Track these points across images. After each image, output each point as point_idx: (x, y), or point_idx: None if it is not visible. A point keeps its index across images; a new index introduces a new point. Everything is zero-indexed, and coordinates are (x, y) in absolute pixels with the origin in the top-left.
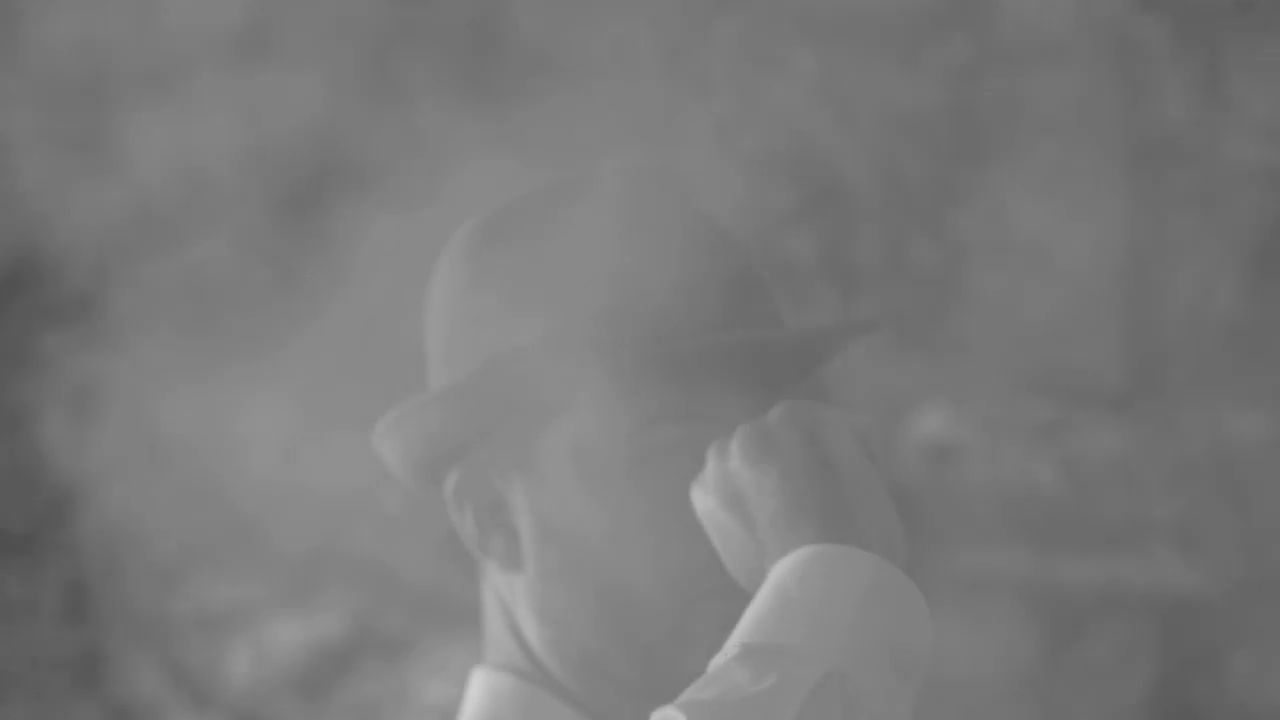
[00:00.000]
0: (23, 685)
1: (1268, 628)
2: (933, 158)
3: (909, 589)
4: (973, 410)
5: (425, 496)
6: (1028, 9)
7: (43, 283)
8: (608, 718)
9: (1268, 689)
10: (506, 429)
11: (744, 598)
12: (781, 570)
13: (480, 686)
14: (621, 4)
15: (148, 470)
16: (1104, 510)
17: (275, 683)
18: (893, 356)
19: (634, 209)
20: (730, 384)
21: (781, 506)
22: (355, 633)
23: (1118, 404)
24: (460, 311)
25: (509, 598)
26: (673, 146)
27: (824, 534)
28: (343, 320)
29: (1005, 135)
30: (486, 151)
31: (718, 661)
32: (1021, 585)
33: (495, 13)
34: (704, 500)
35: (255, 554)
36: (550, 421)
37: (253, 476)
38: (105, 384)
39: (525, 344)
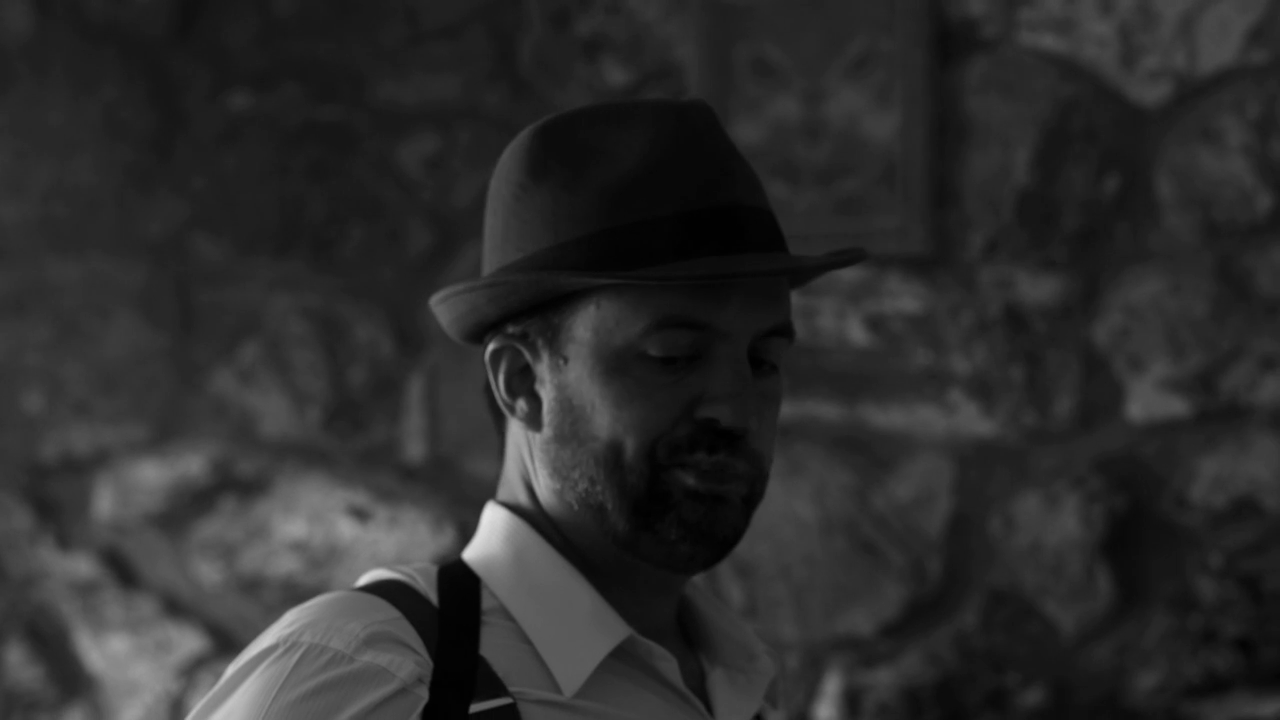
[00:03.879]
0: None
1: (1054, 470)
2: (756, 43)
3: None
4: None
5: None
6: None
7: None
8: (586, 556)
9: (1053, 525)
10: (541, 313)
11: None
12: None
13: (486, 516)
14: None
15: (17, 322)
16: (908, 363)
17: (138, 521)
18: None
19: (668, 132)
20: (731, 299)
21: None
22: (214, 474)
23: (921, 267)
24: (513, 208)
25: (525, 450)
26: None
27: None
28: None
29: (816, 24)
30: None
31: None
32: (834, 430)
33: None
34: None
35: (119, 401)
36: (577, 313)
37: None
38: None
39: (563, 245)
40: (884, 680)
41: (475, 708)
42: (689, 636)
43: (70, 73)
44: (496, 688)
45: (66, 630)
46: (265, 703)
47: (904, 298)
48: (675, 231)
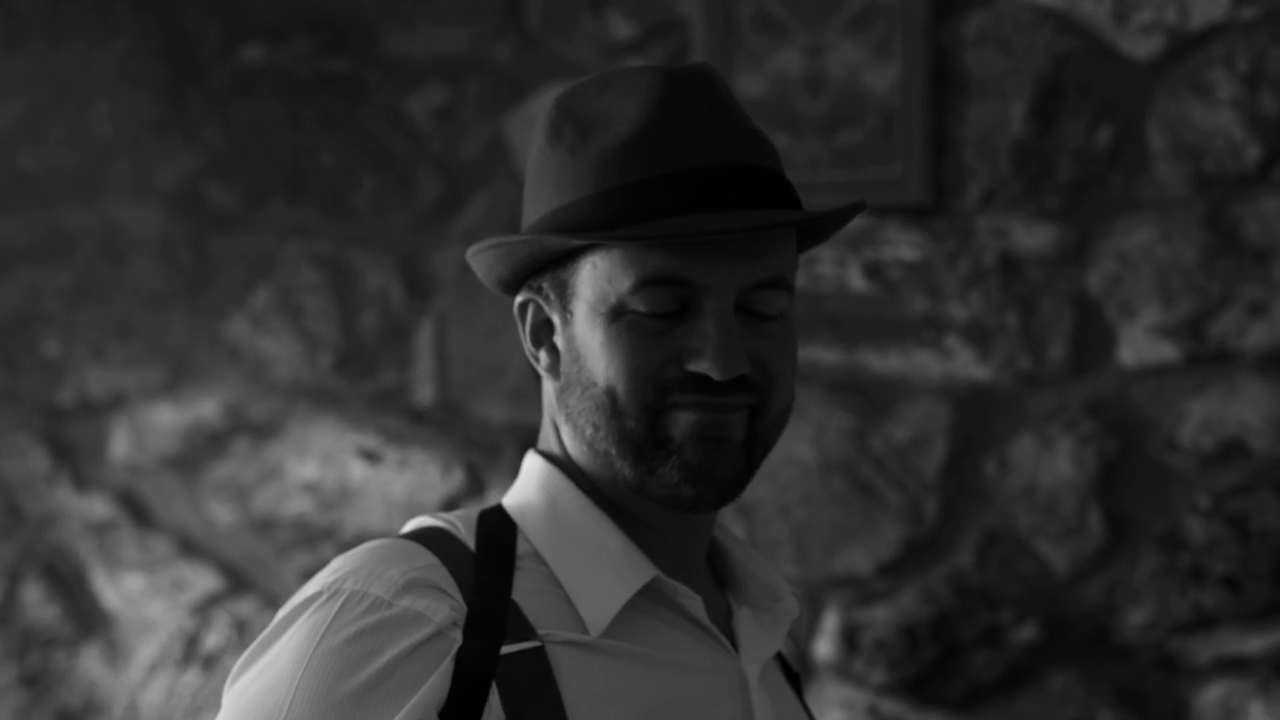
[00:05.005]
0: None
1: (1047, 413)
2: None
3: None
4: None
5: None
6: None
7: None
8: (614, 500)
9: (1046, 467)
10: (553, 270)
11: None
12: None
13: (525, 464)
14: None
15: (35, 269)
16: (906, 310)
17: (153, 463)
18: None
19: (663, 97)
20: (712, 256)
21: None
22: (228, 417)
23: (919, 217)
24: (535, 172)
25: (552, 400)
26: None
27: None
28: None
29: None
30: None
31: None
32: (833, 374)
33: None
34: None
35: (135, 346)
36: (579, 270)
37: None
38: None
39: (566, 206)
40: (881, 617)
41: (506, 649)
42: (718, 578)
43: (84, 25)
44: (526, 631)
45: (83, 569)
46: (310, 647)
47: (902, 246)
48: (661, 192)
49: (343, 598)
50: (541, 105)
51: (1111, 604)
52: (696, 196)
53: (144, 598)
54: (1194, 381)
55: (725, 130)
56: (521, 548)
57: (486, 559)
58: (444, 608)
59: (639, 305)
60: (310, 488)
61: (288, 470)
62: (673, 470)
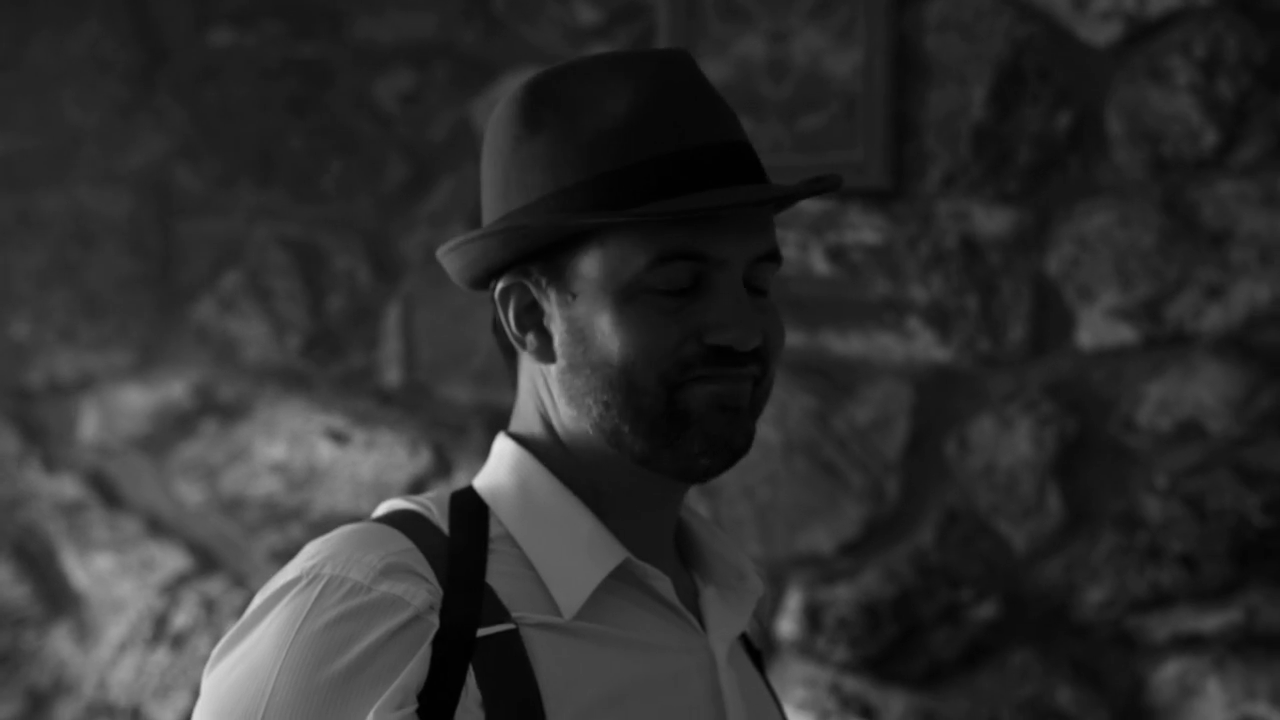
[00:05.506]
0: None
1: (1007, 394)
2: None
3: None
4: None
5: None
6: None
7: None
8: (592, 482)
9: (1006, 447)
10: (546, 254)
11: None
12: None
13: (495, 447)
14: None
15: (4, 251)
16: (867, 292)
17: (122, 443)
18: None
19: (654, 79)
20: (727, 230)
21: None
22: (196, 398)
23: (880, 200)
24: (511, 159)
25: (540, 383)
26: None
27: None
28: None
29: None
30: None
31: None
32: (796, 357)
33: None
34: None
35: (104, 328)
36: (583, 251)
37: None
38: None
39: (566, 189)
40: (843, 596)
41: (481, 632)
42: (685, 558)
43: (54, 10)
44: (501, 614)
45: (53, 549)
46: (291, 632)
47: (864, 229)
48: (669, 170)
49: (322, 583)
50: (508, 93)
51: (1070, 582)
52: (704, 173)
53: (113, 577)
54: (1151, 363)
55: (715, 110)
56: (494, 530)
57: (460, 543)
58: (421, 592)
59: (656, 282)
60: (278, 468)
61: (256, 451)
62: (694, 442)
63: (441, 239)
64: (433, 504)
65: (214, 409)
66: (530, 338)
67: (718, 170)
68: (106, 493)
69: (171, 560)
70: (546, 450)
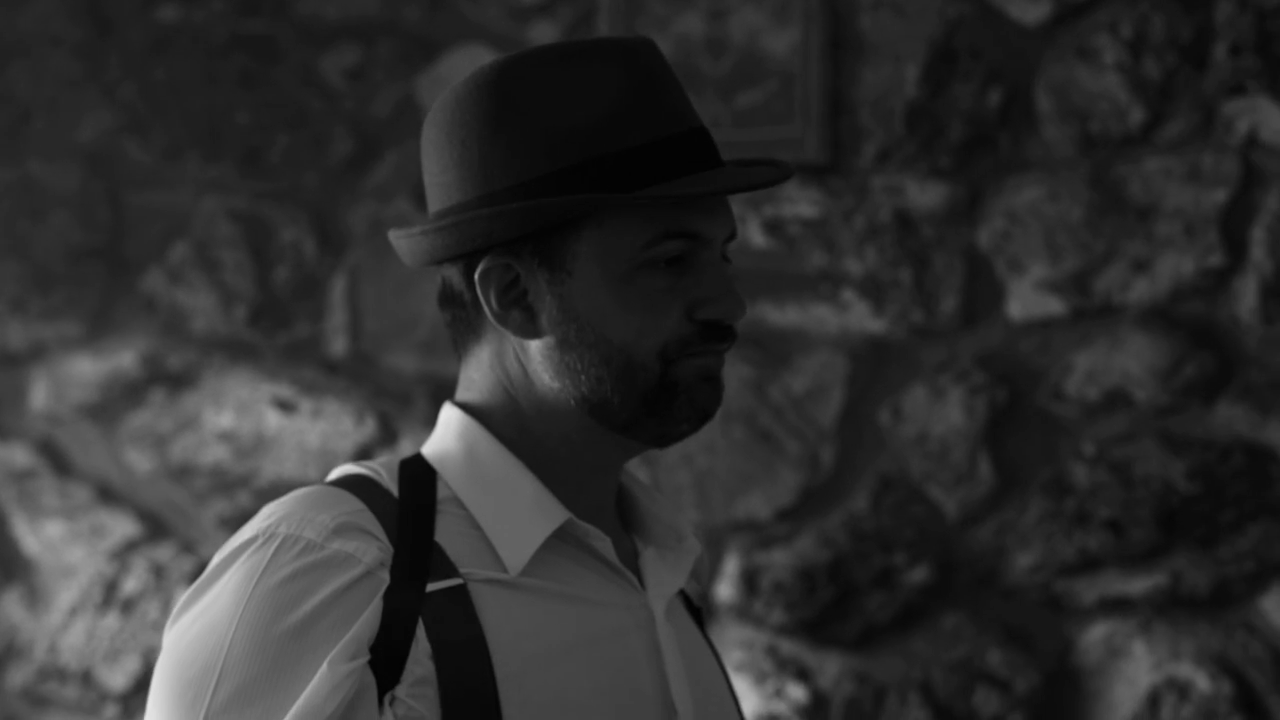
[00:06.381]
0: None
1: (939, 364)
2: None
3: None
4: None
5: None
6: None
7: None
8: (542, 449)
9: (938, 416)
10: (544, 233)
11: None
12: None
13: (443, 415)
14: None
15: None
16: (804, 265)
17: (72, 412)
18: None
19: (635, 68)
20: (712, 211)
21: None
22: (145, 368)
23: (817, 175)
24: (491, 140)
25: (508, 356)
26: None
27: None
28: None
29: None
30: None
31: None
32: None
33: None
34: None
35: (54, 299)
36: (579, 230)
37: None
38: None
39: (561, 171)
40: (780, 561)
41: (431, 587)
42: (626, 521)
43: None
44: (449, 570)
45: (3, 516)
46: (248, 588)
47: (801, 203)
48: (663, 154)
49: (277, 541)
50: (471, 77)
51: (1000, 547)
52: (690, 158)
53: (64, 544)
54: (1079, 334)
55: (685, 99)
56: (441, 493)
57: (409, 504)
58: (372, 549)
59: (654, 258)
60: (226, 436)
61: (204, 419)
62: (681, 409)
63: (386, 213)
64: (383, 469)
65: (163, 378)
66: (514, 314)
67: (700, 154)
68: (57, 461)
69: (121, 527)
70: (496, 419)
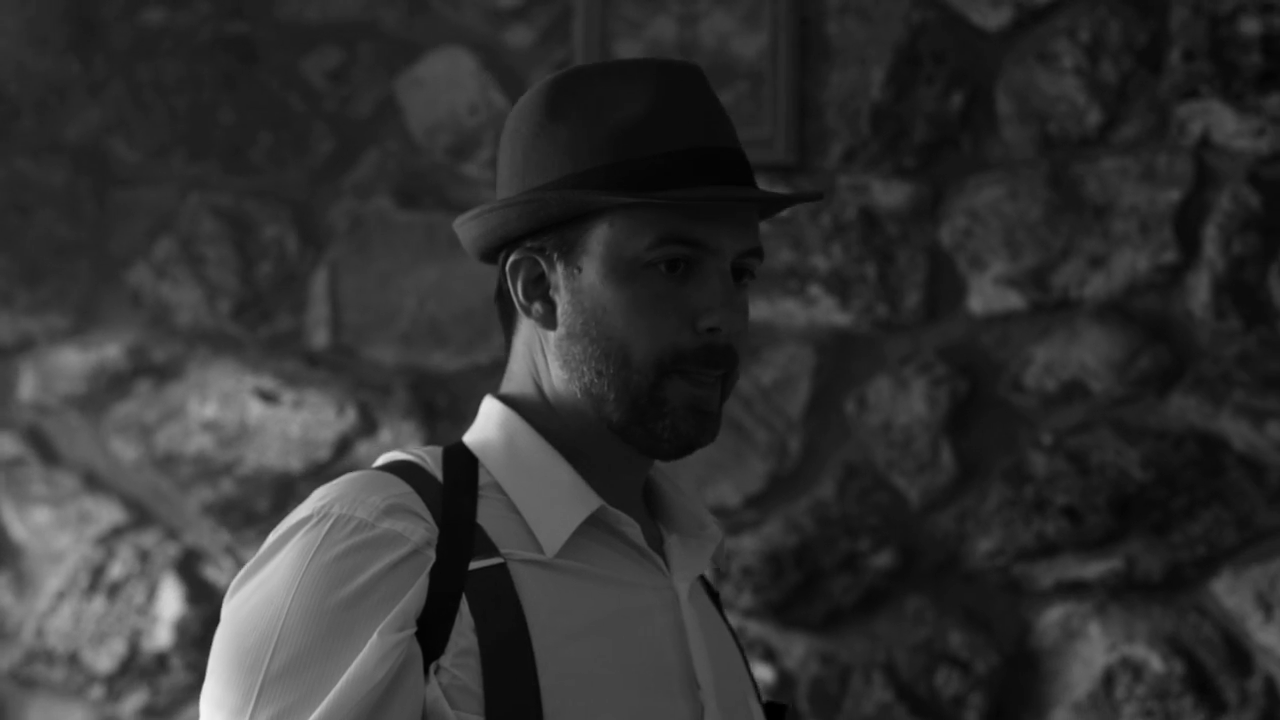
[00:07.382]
0: None
1: (903, 357)
2: None
3: None
4: None
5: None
6: None
7: None
8: (574, 440)
9: (902, 406)
10: (558, 229)
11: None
12: None
13: (484, 407)
14: None
15: None
16: (772, 261)
17: (59, 403)
18: None
19: (670, 85)
20: (721, 223)
21: None
22: (131, 360)
23: (785, 174)
24: (533, 143)
25: (537, 347)
26: None
27: None
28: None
29: None
30: None
31: None
32: None
33: None
34: None
35: (42, 293)
36: (591, 229)
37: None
38: None
39: (583, 172)
40: (749, 546)
41: (473, 565)
42: (652, 509)
43: None
44: (490, 550)
45: None
46: (303, 564)
47: None
48: (681, 164)
49: (331, 520)
50: (533, 87)
51: (961, 533)
52: (710, 170)
53: (51, 530)
54: (1038, 328)
55: (722, 119)
56: (483, 479)
57: (453, 488)
58: (420, 529)
59: (655, 259)
60: (210, 426)
61: (189, 410)
62: (665, 430)
63: (365, 210)
64: (428, 455)
65: (148, 370)
66: (537, 306)
67: (718, 170)
68: (44, 450)
69: (107, 514)
70: (534, 410)
